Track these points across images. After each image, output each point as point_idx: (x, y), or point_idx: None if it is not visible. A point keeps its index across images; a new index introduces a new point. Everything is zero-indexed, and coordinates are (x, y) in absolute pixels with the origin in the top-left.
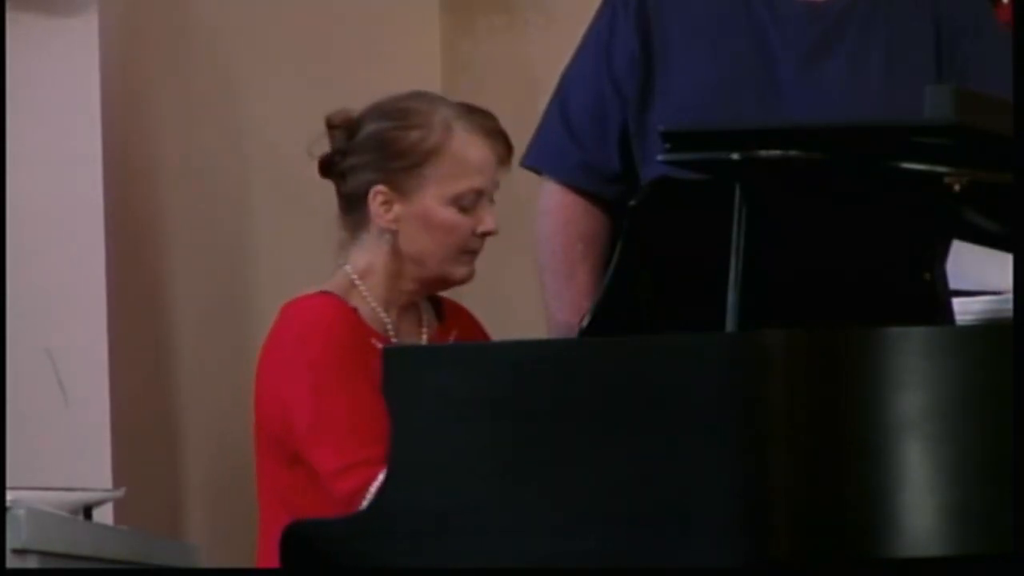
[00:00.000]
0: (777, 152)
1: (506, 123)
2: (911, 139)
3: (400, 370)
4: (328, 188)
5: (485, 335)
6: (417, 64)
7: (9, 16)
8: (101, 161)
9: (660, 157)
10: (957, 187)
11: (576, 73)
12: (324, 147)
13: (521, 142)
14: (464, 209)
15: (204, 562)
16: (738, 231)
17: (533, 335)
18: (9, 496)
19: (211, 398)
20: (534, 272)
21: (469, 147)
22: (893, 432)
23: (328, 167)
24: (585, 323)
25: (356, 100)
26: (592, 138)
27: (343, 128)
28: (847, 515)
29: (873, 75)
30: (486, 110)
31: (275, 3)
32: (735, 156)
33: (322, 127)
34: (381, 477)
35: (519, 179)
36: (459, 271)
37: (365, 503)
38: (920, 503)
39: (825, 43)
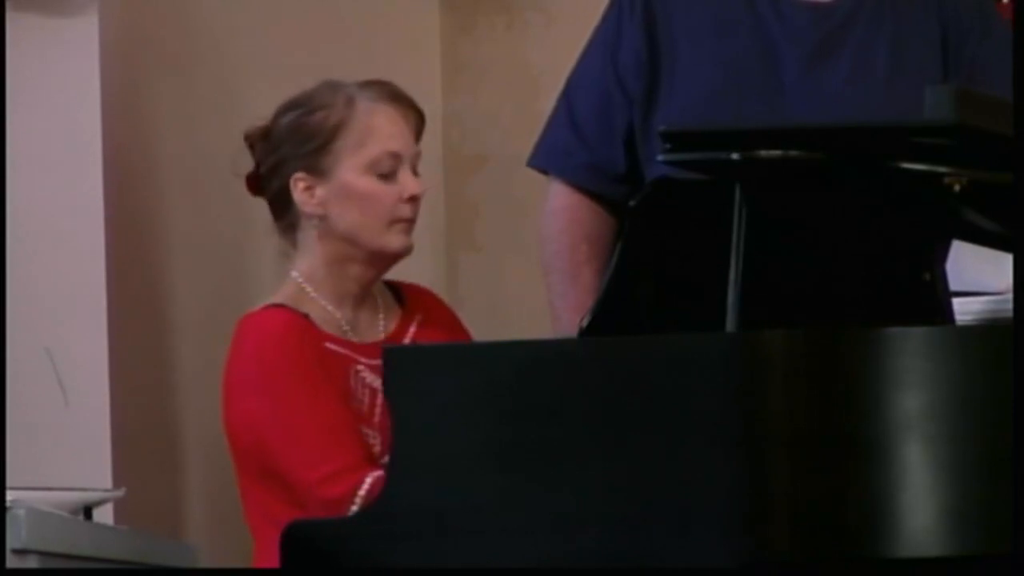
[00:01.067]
0: (777, 152)
1: (506, 123)
2: (911, 139)
3: (400, 370)
4: None
5: (451, 316)
6: (417, 64)
7: (9, 16)
8: (101, 161)
9: (660, 157)
10: (957, 187)
11: (582, 73)
12: (246, 165)
13: (521, 142)
14: (384, 177)
15: (204, 562)
16: (738, 231)
17: (533, 335)
18: (9, 496)
19: (211, 398)
20: (534, 272)
21: (373, 114)
22: (893, 432)
23: (254, 181)
24: (585, 323)
25: None
26: (598, 138)
27: (260, 138)
28: (847, 515)
29: (878, 76)
30: (390, 82)
31: (275, 3)
32: (735, 156)
33: None
34: (369, 481)
35: (518, 180)
36: (394, 241)
37: (355, 508)
38: (920, 503)
39: (830, 44)
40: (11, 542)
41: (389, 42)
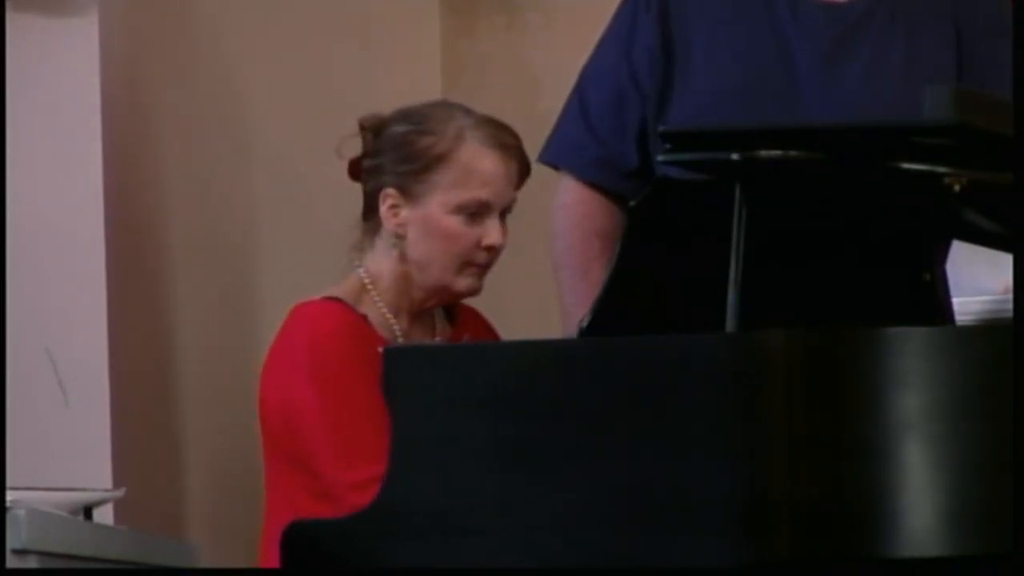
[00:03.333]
0: (777, 152)
1: (506, 123)
2: (911, 139)
3: (400, 370)
4: (332, 188)
5: (496, 338)
6: (417, 64)
7: (9, 16)
8: (101, 161)
9: (660, 157)
10: (957, 187)
11: (596, 68)
12: (353, 147)
13: (522, 142)
14: (469, 220)
15: (204, 562)
16: (738, 231)
17: (533, 335)
18: (9, 496)
19: (211, 398)
20: (534, 272)
21: (478, 158)
22: (893, 432)
23: (356, 167)
24: (585, 323)
25: (356, 100)
26: (611, 133)
27: (371, 130)
28: (847, 515)
29: (892, 76)
30: (507, 126)
31: (276, 2)
32: (735, 156)
33: (324, 127)
34: None
35: None
36: (461, 282)
37: None
38: (920, 503)
39: (844, 43)
40: (11, 542)
41: (389, 42)
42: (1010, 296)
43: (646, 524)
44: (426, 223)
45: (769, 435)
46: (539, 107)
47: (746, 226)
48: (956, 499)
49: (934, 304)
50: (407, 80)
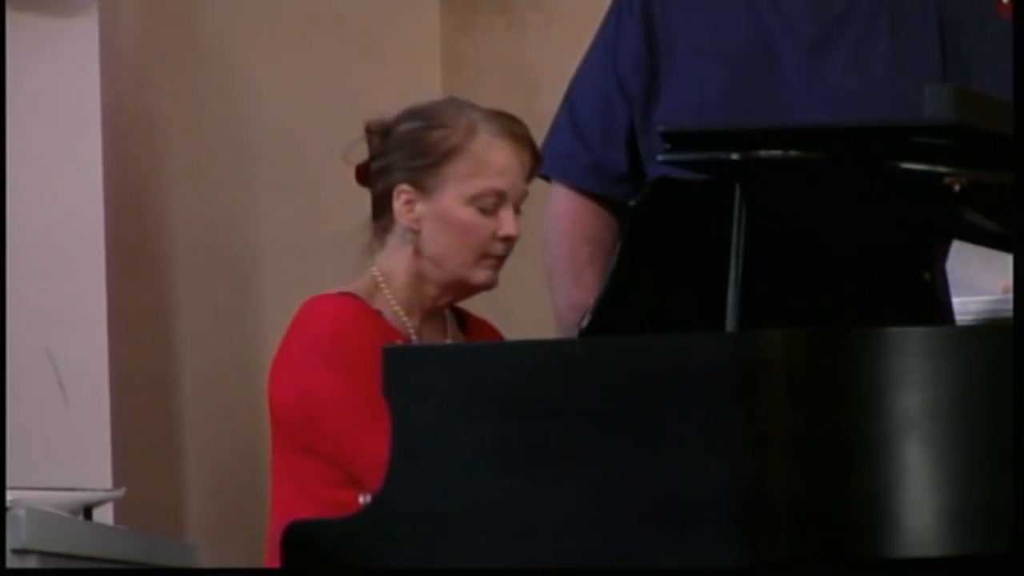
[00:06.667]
0: (777, 152)
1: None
2: (911, 139)
3: (400, 369)
4: (334, 186)
5: None
6: (417, 64)
7: (9, 16)
8: (101, 161)
9: (660, 157)
10: (957, 187)
11: (583, 78)
12: (359, 153)
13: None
14: (484, 211)
15: (204, 562)
16: (738, 231)
17: (533, 335)
18: (9, 496)
19: (212, 399)
20: (534, 273)
21: (490, 148)
22: (893, 432)
23: (364, 172)
24: (585, 323)
25: (357, 100)
26: (599, 139)
27: (378, 133)
28: (847, 515)
29: (877, 68)
30: (517, 118)
31: (276, 2)
32: (735, 156)
33: (325, 127)
34: None
35: None
36: (478, 275)
37: None
38: (920, 503)
39: (829, 36)
40: (11, 542)
41: (389, 42)
42: (1010, 296)
43: (646, 524)
44: (442, 216)
45: (769, 435)
46: (539, 107)
47: (746, 226)
48: (956, 499)
49: (934, 304)
50: (407, 80)
